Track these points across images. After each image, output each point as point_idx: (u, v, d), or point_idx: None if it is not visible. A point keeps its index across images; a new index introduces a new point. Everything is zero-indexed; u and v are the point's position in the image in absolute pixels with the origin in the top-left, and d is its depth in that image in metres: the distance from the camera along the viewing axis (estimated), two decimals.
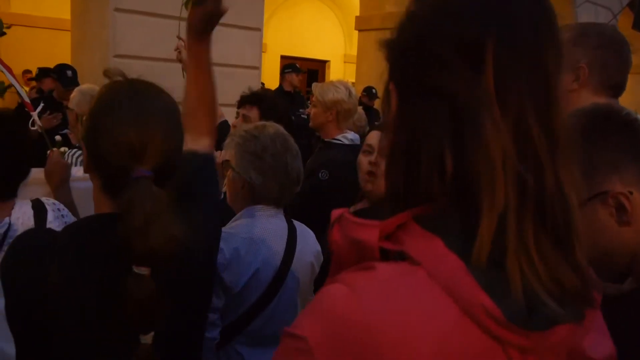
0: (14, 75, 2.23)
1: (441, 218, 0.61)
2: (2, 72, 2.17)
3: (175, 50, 2.56)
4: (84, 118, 1.12)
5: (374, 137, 2.26)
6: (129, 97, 1.08)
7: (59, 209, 1.76)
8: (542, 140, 0.60)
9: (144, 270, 0.95)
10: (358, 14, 9.65)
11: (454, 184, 0.60)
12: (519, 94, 0.60)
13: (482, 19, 0.61)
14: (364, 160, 2.24)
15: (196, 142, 1.34)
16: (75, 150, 2.96)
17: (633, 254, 1.02)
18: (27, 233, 1.11)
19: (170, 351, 1.10)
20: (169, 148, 1.06)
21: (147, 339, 0.97)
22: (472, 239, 0.57)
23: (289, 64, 7.20)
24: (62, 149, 2.44)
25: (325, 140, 2.99)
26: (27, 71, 9.13)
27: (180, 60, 2.27)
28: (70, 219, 1.78)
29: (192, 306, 1.17)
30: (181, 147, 1.14)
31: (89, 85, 3.39)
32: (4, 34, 2.25)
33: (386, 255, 0.61)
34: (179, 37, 2.58)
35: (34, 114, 2.27)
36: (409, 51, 0.66)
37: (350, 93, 2.99)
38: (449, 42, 0.61)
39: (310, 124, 3.07)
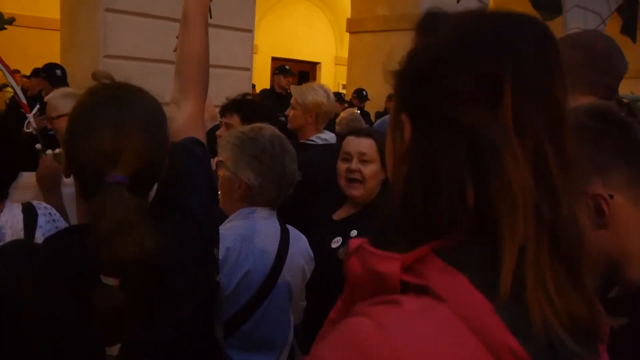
0: (12, 76, 2.20)
1: (464, 251, 0.62)
2: (2, 71, 2.13)
3: (174, 51, 2.53)
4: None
5: (351, 145, 2.26)
6: (109, 101, 1.06)
7: (50, 214, 1.73)
8: (559, 172, 0.61)
9: (111, 281, 0.92)
10: (349, 16, 9.67)
11: (475, 215, 0.61)
12: (536, 127, 0.61)
13: (498, 53, 0.62)
14: (342, 167, 2.25)
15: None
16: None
17: (610, 259, 1.01)
18: (3, 247, 1.09)
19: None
20: (149, 154, 1.04)
21: (113, 351, 0.95)
22: (494, 273, 0.58)
23: (278, 66, 7.20)
24: (57, 150, 2.41)
25: (301, 141, 3.01)
26: (15, 71, 9.05)
27: None
28: (62, 223, 1.75)
29: (191, 313, 1.15)
30: (165, 153, 1.11)
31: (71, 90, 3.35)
32: (4, 28, 2.21)
33: (405, 288, 0.61)
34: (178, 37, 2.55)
35: (30, 116, 2.23)
36: (424, 82, 0.66)
37: (328, 95, 3.02)
38: (466, 75, 0.62)
39: (289, 125, 3.08)
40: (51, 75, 5.26)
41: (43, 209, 1.73)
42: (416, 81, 0.67)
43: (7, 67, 2.11)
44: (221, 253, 1.60)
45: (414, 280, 0.61)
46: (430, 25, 0.69)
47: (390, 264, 0.62)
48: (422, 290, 0.60)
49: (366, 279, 0.65)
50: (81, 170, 1.06)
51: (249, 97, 2.91)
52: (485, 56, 0.62)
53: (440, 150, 0.63)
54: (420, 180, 0.65)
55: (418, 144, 0.66)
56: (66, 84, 5.28)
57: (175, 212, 1.17)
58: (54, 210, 1.76)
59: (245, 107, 2.67)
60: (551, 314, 0.57)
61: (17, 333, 0.85)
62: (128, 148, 1.01)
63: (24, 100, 2.26)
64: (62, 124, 2.69)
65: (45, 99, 2.63)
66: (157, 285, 1.03)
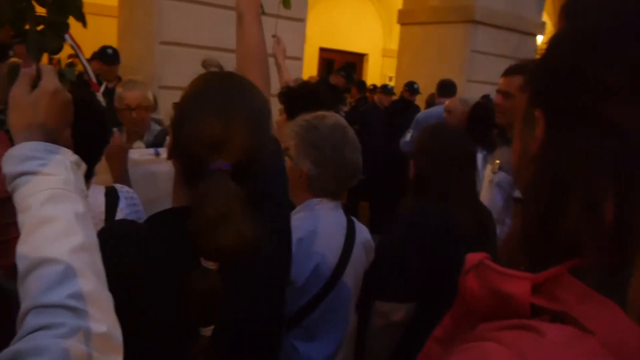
0: (82, 54, 2.26)
1: (607, 273, 0.53)
2: (74, 49, 2.19)
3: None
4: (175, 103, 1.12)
5: None
6: (220, 88, 1.08)
7: (131, 197, 1.75)
8: None
9: (211, 265, 0.95)
10: (398, 7, 9.55)
11: (613, 233, 0.52)
12: None
13: None
14: None
15: None
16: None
17: None
18: (113, 224, 1.13)
19: (244, 348, 1.10)
20: (253, 145, 1.05)
21: (207, 332, 0.98)
22: None
23: (343, 67, 7.18)
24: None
25: None
26: (72, 55, 9.31)
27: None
28: (140, 207, 1.77)
29: (267, 303, 1.17)
30: (266, 146, 1.11)
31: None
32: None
33: (535, 312, 0.54)
34: (274, 36, 2.99)
35: (99, 94, 2.28)
36: (568, 74, 0.57)
37: None
38: (621, 67, 0.53)
39: None
40: (103, 54, 5.37)
41: (125, 192, 1.75)
42: (558, 72, 0.58)
43: (78, 45, 2.16)
44: (294, 246, 1.60)
45: (548, 305, 0.53)
46: (576, 8, 0.60)
47: (518, 284, 0.54)
48: (558, 317, 0.52)
49: (486, 299, 0.58)
50: (186, 155, 1.07)
51: (302, 85, 2.86)
52: None
53: (581, 154, 0.54)
54: (548, 186, 0.57)
55: (552, 144, 0.58)
56: (118, 62, 5.37)
57: (266, 202, 1.19)
58: (135, 195, 1.79)
59: (283, 96, 2.63)
60: None
61: (124, 309, 0.87)
62: (234, 138, 1.01)
63: (93, 79, 2.31)
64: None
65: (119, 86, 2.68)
66: (249, 270, 1.06)
